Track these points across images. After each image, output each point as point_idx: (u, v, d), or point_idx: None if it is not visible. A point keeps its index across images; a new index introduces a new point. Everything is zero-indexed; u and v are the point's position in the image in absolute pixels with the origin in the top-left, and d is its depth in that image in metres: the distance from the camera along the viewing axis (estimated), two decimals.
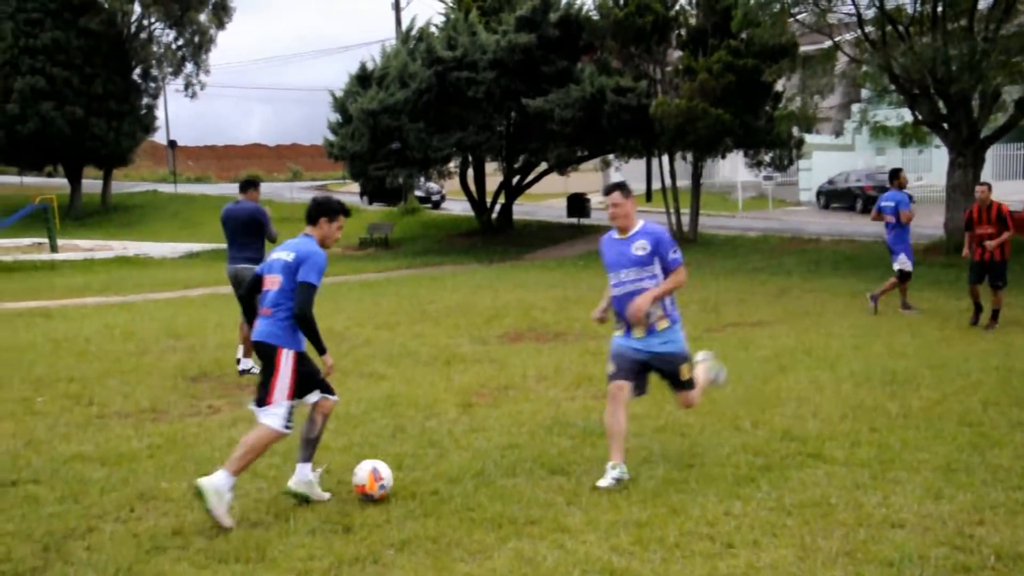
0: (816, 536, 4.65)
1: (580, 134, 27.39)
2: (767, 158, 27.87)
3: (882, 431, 6.62)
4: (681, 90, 24.99)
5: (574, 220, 32.89)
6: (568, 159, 29.80)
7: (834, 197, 35.34)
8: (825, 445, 6.23)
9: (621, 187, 5.75)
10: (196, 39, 43.76)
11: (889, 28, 20.30)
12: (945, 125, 20.19)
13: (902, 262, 12.84)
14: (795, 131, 25.82)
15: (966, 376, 8.47)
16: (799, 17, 21.95)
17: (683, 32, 26.73)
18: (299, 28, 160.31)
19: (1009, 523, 4.79)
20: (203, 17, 43.59)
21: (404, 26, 32.39)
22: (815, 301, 14.77)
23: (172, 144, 57.96)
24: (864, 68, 21.24)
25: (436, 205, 42.50)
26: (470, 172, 32.70)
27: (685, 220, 27.15)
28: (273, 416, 5.13)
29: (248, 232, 9.37)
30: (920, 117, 20.73)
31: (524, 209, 36.58)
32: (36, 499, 5.40)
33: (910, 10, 20.81)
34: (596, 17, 27.50)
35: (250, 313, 5.78)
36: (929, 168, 34.64)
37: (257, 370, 9.38)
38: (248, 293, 5.58)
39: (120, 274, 21.96)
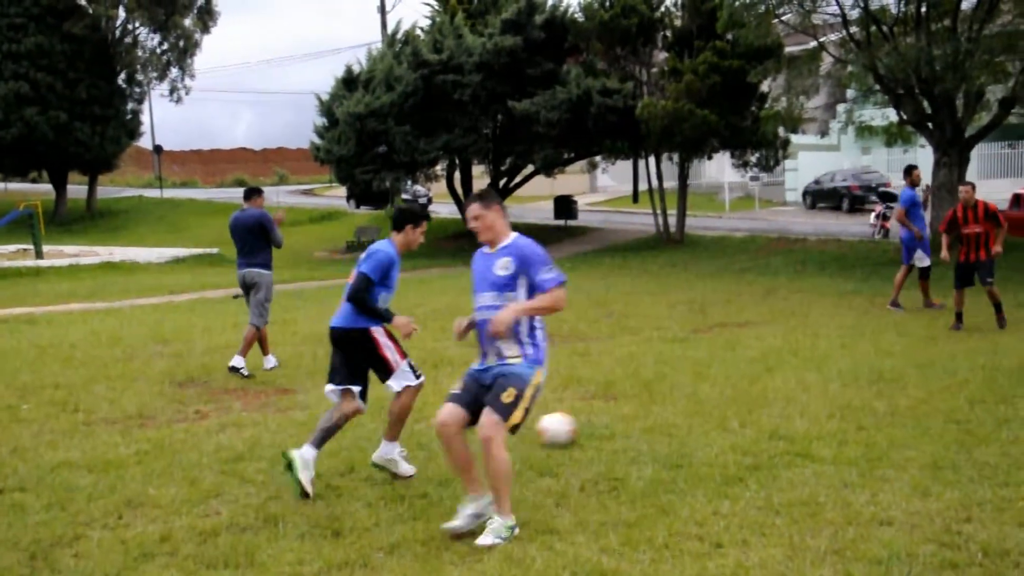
0: (805, 535, 4.66)
1: (566, 136, 27.44)
2: (753, 158, 27.99)
3: (869, 430, 6.64)
4: (667, 91, 25.06)
5: (561, 222, 32.92)
6: (554, 161, 29.84)
7: (820, 197, 35.50)
8: (813, 444, 6.25)
9: (481, 196, 5.05)
10: (181, 44, 43.57)
11: (873, 28, 20.42)
12: (930, 125, 20.31)
13: (919, 258, 12.86)
14: (781, 131, 25.94)
15: (952, 374, 8.52)
16: (784, 18, 22.06)
17: (669, 33, 26.82)
18: (285, 32, 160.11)
19: (996, 520, 4.81)
20: (188, 22, 43.42)
21: (390, 29, 32.42)
22: (802, 301, 14.82)
23: (158, 149, 57.77)
24: (849, 68, 21.36)
25: (423, 208, 42.48)
26: (457, 175, 32.70)
27: (672, 221, 27.21)
28: (403, 376, 5.73)
29: (254, 238, 9.55)
30: (905, 117, 20.85)
31: (511, 211, 36.28)
32: (22, 507, 5.36)
33: (894, 10, 20.96)
34: (581, 19, 27.57)
35: None
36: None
37: (272, 364, 9.57)
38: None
39: (106, 280, 21.85)
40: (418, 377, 5.79)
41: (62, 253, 28.53)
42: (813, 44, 22.28)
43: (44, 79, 39.03)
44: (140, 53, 43.55)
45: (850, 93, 24.01)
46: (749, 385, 8.27)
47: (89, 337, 12.06)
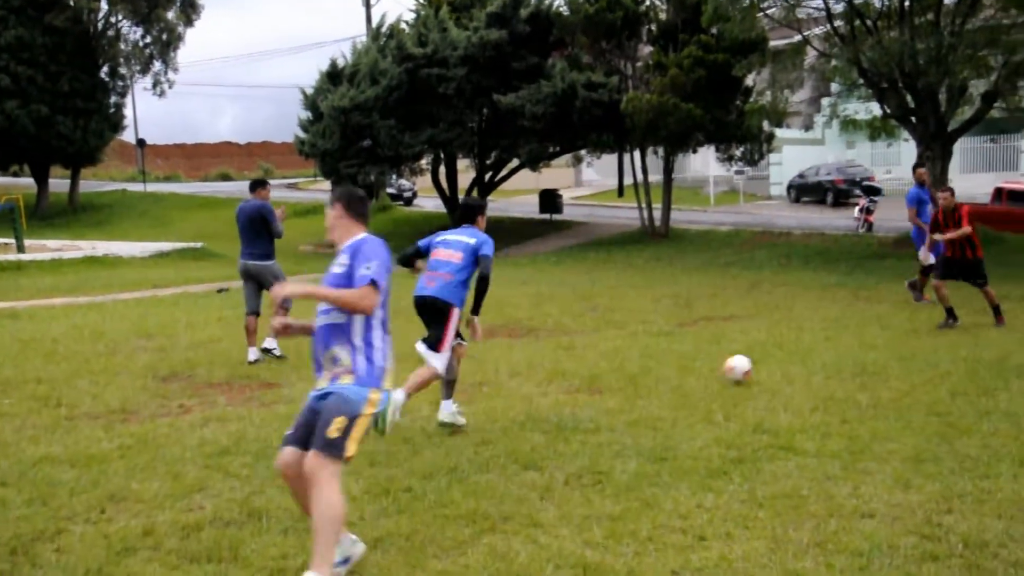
0: (788, 527, 4.69)
1: (551, 130, 27.44)
2: (738, 152, 28.05)
3: (852, 423, 6.68)
4: (652, 85, 25.09)
5: (546, 216, 32.92)
6: (540, 155, 29.83)
7: (804, 191, 35.62)
8: (796, 437, 6.28)
9: (334, 194, 4.68)
10: (164, 37, 43.22)
11: (858, 22, 20.51)
12: (913, 119, 20.42)
13: (923, 256, 12.92)
14: (765, 125, 26.01)
15: (935, 367, 8.57)
16: (768, 12, 22.13)
17: (653, 27, 26.86)
18: (269, 25, 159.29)
19: (976, 511, 4.85)
20: (171, 15, 43.07)
21: (375, 23, 32.32)
22: (786, 295, 14.88)
23: (141, 143, 57.35)
24: (833, 62, 21.45)
25: (408, 202, 42.38)
26: (442, 169, 32.64)
27: (657, 215, 27.26)
28: (440, 360, 6.49)
29: (254, 228, 9.76)
30: (889, 111, 20.95)
31: (496, 206, 36.53)
32: (3, 502, 5.32)
33: (878, 4, 21.04)
34: (567, 13, 27.55)
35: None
36: (898, 161, 35.02)
37: (279, 352, 9.81)
38: (405, 259, 7.03)
39: (89, 274, 21.70)
40: (445, 373, 6.63)
41: (44, 247, 28.31)
42: (797, 38, 22.34)
43: (25, 72, 38.65)
44: (123, 46, 43.20)
45: (834, 87, 24.12)
46: None
47: (71, 331, 11.98)
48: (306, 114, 30.70)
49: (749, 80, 25.99)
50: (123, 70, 43.90)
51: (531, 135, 27.52)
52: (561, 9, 27.96)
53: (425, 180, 35.61)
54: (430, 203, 38.94)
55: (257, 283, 9.82)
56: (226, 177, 62.14)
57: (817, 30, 23.61)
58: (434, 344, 6.53)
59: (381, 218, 35.98)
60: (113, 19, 42.60)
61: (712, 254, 22.76)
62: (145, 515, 5.09)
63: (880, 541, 4.45)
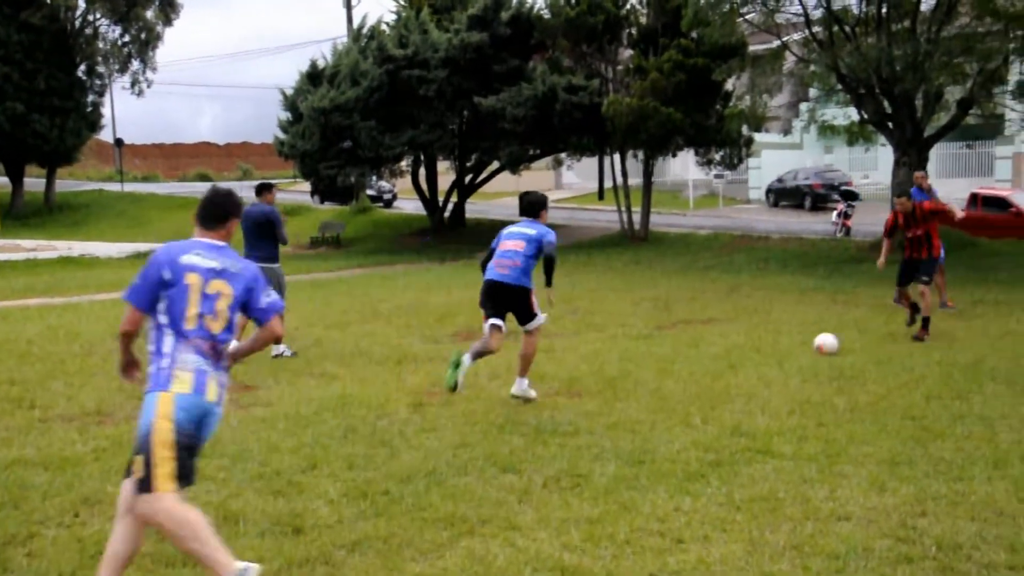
0: (764, 530, 4.71)
1: (532, 132, 27.44)
2: (717, 156, 28.15)
3: (829, 426, 6.72)
4: (632, 89, 25.15)
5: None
6: (520, 157, 29.82)
7: (783, 195, 35.81)
8: (773, 440, 6.31)
9: None
10: (142, 36, 42.90)
11: (836, 28, 20.63)
12: (890, 124, 20.57)
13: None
14: (745, 130, 26.13)
15: (910, 371, 8.64)
16: (748, 17, 22.20)
17: (634, 31, 26.92)
18: (248, 26, 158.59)
19: (950, 514, 4.89)
20: (149, 14, 42.76)
21: (355, 24, 32.18)
22: (765, 298, 14.95)
23: (119, 142, 56.91)
24: (812, 68, 21.56)
25: (388, 204, 42.26)
26: (422, 171, 32.59)
27: (637, 218, 27.32)
28: (541, 318, 7.78)
29: (259, 232, 9.86)
30: (866, 116, 21.09)
31: (477, 208, 36.55)
32: None
33: (856, 11, 21.18)
34: (548, 16, 27.58)
35: None
36: (875, 166, 35.31)
37: (290, 353, 9.90)
38: (484, 263, 7.91)
39: (64, 274, 21.52)
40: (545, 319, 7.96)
41: (19, 247, 28.07)
42: (776, 43, 22.45)
43: (0, 69, 38.29)
44: (101, 45, 42.82)
45: (812, 92, 24.23)
46: (712, 382, 8.33)
47: (46, 332, 11.87)
48: (286, 115, 30.54)
49: (729, 84, 26.11)
50: (101, 69, 43.53)
51: (512, 138, 27.52)
52: (542, 12, 27.98)
53: (405, 182, 35.53)
54: (410, 205, 38.85)
55: None
56: (205, 177, 61.66)
57: (796, 36, 23.74)
58: (530, 318, 7.68)
59: (361, 220, 35.87)
60: (91, 17, 42.24)
61: (691, 258, 22.84)
62: None
63: (856, 544, 4.48)
